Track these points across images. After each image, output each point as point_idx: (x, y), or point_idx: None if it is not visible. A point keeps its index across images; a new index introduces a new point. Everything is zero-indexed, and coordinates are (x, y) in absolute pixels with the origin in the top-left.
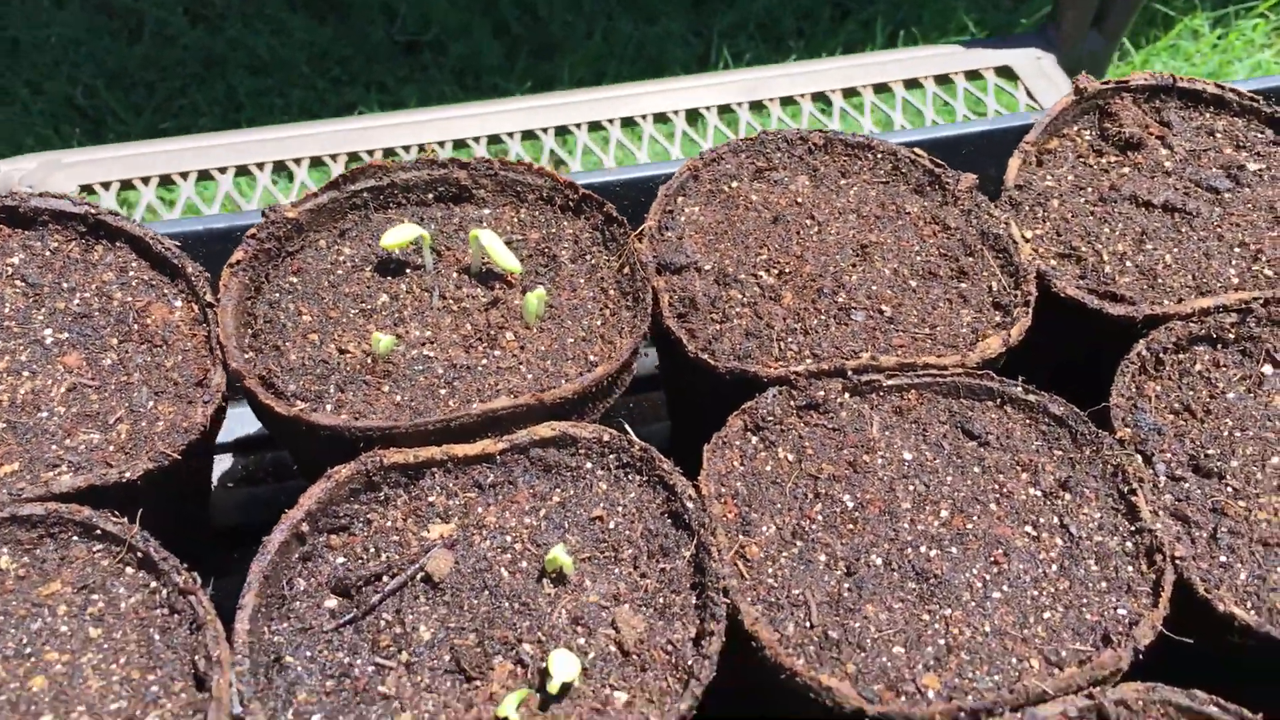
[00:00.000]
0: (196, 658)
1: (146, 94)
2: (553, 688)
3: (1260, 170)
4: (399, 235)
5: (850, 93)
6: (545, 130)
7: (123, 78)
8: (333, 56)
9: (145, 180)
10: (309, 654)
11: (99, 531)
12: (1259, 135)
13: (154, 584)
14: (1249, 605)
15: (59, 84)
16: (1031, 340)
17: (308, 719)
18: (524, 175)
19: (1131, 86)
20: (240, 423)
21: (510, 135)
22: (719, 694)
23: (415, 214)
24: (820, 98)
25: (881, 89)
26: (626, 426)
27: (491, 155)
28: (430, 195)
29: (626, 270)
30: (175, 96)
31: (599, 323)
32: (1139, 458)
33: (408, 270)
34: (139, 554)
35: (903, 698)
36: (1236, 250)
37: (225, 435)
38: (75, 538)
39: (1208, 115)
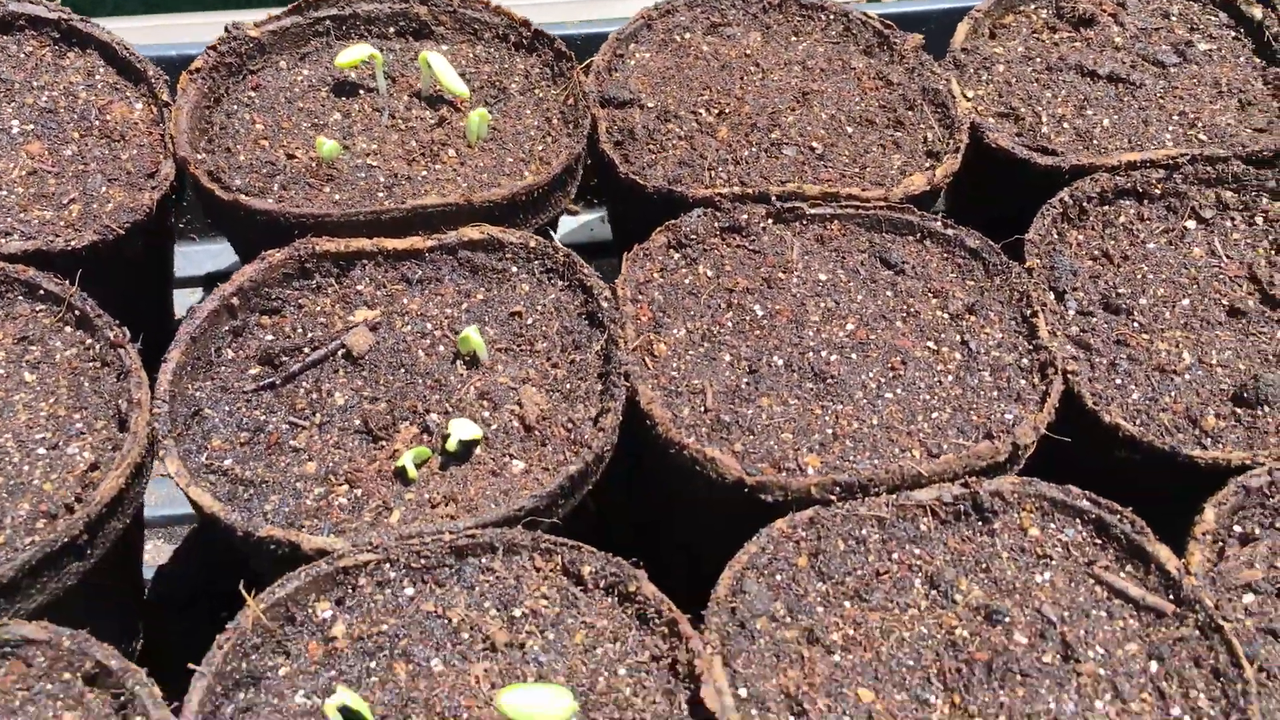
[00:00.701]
0: (120, 401)
1: None
2: (450, 445)
3: (1210, 50)
4: (353, 54)
5: None
6: None
7: None
8: None
9: None
10: (228, 409)
11: (42, 291)
12: (1213, 19)
13: (89, 340)
14: (1137, 422)
15: None
16: (965, 195)
17: (220, 462)
18: (481, 13)
19: None
20: None
21: None
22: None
23: (376, 45)
24: None
25: None
26: (552, 234)
27: None
28: (391, 29)
29: (570, 100)
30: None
31: (539, 147)
32: (1044, 284)
33: (362, 92)
34: (77, 313)
35: (783, 473)
36: (1175, 119)
37: None
38: (20, 296)
39: None
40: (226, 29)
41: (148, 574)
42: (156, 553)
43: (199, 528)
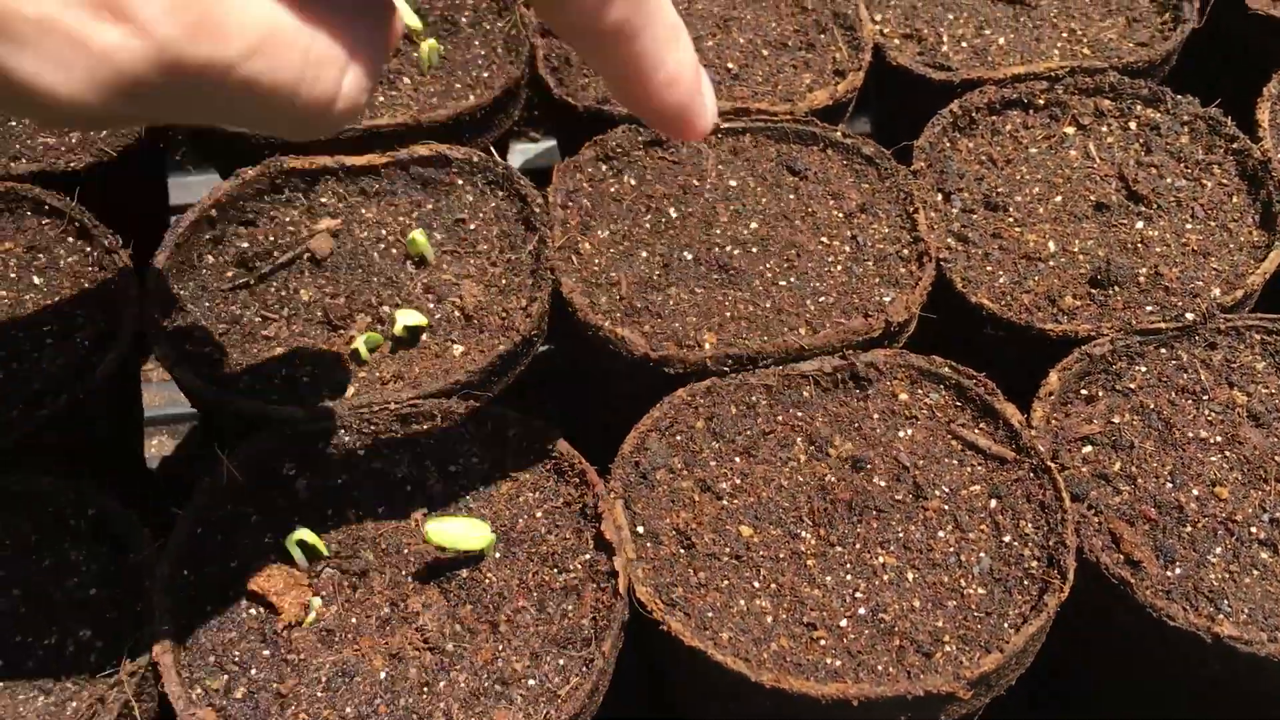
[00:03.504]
0: (115, 299)
1: None
2: (398, 330)
3: None
4: None
5: None
6: None
7: None
8: None
9: None
10: (208, 304)
11: (47, 207)
12: None
13: (88, 248)
14: (1001, 302)
15: None
16: (884, 113)
17: (201, 348)
18: None
19: None
20: None
21: None
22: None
23: None
24: None
25: None
26: (493, 150)
27: None
28: None
29: (512, 31)
30: None
31: (485, 74)
32: (928, 186)
33: None
34: (77, 225)
35: (684, 349)
36: (1065, 37)
37: None
38: (28, 211)
39: None
40: None
41: (154, 465)
42: (161, 446)
43: (194, 426)
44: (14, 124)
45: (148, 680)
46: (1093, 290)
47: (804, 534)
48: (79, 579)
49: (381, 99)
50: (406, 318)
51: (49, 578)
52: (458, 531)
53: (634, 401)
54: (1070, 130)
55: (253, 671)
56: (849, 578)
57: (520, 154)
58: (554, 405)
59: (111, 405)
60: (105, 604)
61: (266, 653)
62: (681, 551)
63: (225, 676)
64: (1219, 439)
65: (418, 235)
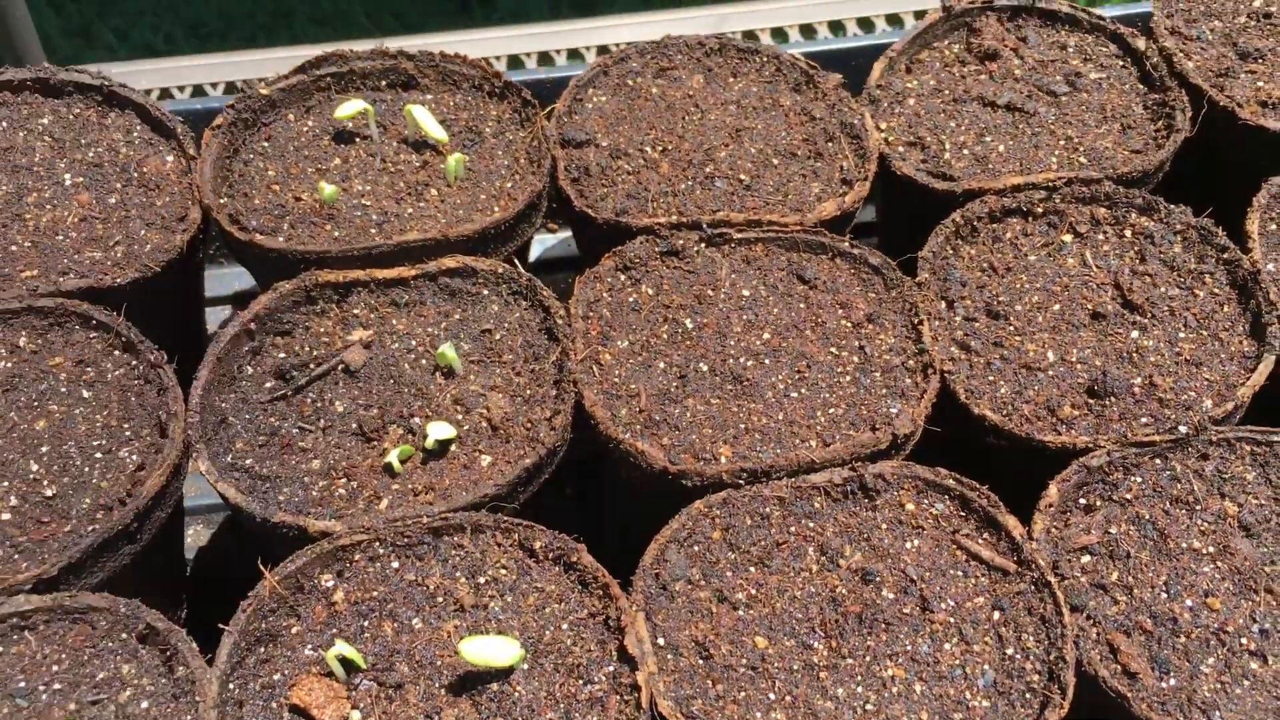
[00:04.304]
0: (160, 413)
1: (220, 42)
2: (429, 444)
3: (1100, 79)
4: (349, 108)
5: (807, 29)
6: (529, 55)
7: (199, 27)
8: (389, 9)
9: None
10: (248, 417)
11: (94, 321)
12: (1104, 49)
13: (133, 361)
14: (1003, 412)
15: (143, 32)
16: (889, 218)
17: (243, 460)
18: (460, 67)
19: (995, 6)
20: None
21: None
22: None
23: (370, 97)
24: (779, 32)
25: (836, 26)
26: (516, 261)
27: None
28: (383, 82)
29: (534, 142)
30: (245, 45)
31: (509, 184)
32: (932, 295)
33: (358, 140)
34: (124, 339)
35: (700, 462)
36: (1062, 143)
37: None
38: (76, 325)
39: (1061, 32)
40: (240, 87)
41: (190, 555)
42: (197, 536)
43: (230, 516)
44: (60, 237)
45: None
46: (1090, 400)
47: (816, 645)
48: (131, 692)
49: (410, 210)
50: (437, 431)
51: (103, 691)
52: (489, 650)
53: (651, 511)
54: (1068, 238)
55: None
56: (860, 690)
57: (539, 243)
58: (573, 495)
59: (157, 520)
60: (157, 718)
61: None
62: (700, 663)
63: None
64: (1211, 549)
65: (447, 349)
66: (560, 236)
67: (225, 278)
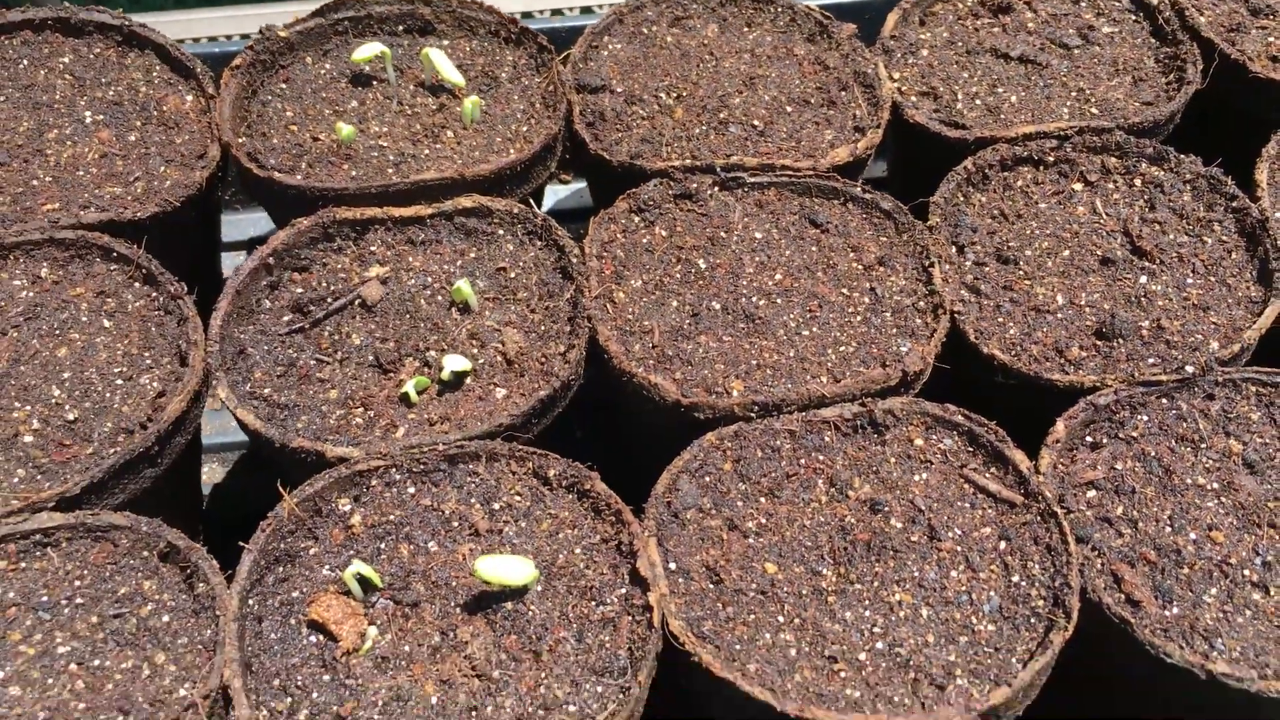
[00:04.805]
0: (181, 342)
1: None
2: (445, 376)
3: (1112, 33)
4: (366, 50)
5: None
6: (542, 12)
7: None
8: None
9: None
10: (266, 348)
11: (115, 254)
12: (1116, 4)
13: (154, 293)
14: (1011, 352)
15: None
16: (901, 167)
17: (261, 389)
18: (476, 12)
19: None
20: None
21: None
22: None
23: (387, 41)
24: None
25: None
26: (531, 201)
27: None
28: (400, 27)
29: (550, 87)
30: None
31: (524, 128)
32: (943, 240)
33: (374, 83)
34: (144, 271)
35: (713, 395)
36: (1074, 95)
37: None
38: (97, 258)
39: None
40: (260, 31)
41: (205, 491)
42: (212, 474)
43: (247, 448)
44: (81, 172)
45: (218, 704)
46: (1098, 342)
47: (825, 571)
48: (152, 607)
49: (427, 151)
50: (453, 363)
51: (125, 606)
52: (504, 568)
53: (663, 440)
54: (1078, 186)
55: (314, 695)
56: (867, 614)
57: (551, 195)
58: (585, 432)
59: (177, 445)
60: (178, 631)
61: (327, 678)
62: (710, 587)
63: (289, 699)
64: (1216, 486)
65: (463, 284)
66: (572, 188)
67: (240, 224)
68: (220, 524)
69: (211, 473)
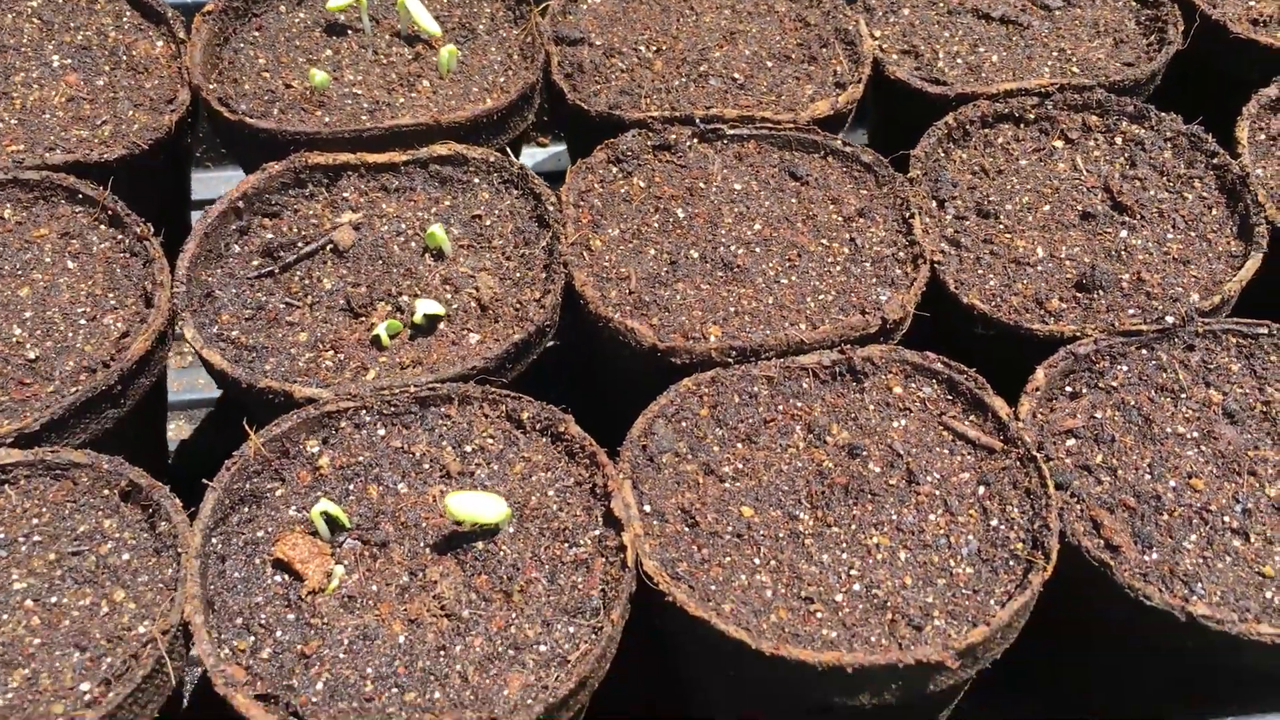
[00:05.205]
0: (146, 283)
1: None
2: (417, 319)
3: None
4: (340, 0)
5: None
6: None
7: None
8: None
9: None
10: (234, 291)
11: (80, 195)
12: None
13: (119, 235)
14: (991, 303)
15: None
16: (882, 124)
17: (228, 331)
18: None
19: None
20: None
21: None
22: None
23: None
24: None
25: None
26: (509, 150)
27: None
28: None
29: (528, 39)
30: None
31: (501, 79)
32: (928, 193)
33: (349, 33)
34: (110, 213)
35: (689, 341)
36: (1055, 55)
37: None
38: (62, 199)
39: None
40: None
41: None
42: (179, 430)
43: (215, 405)
44: (47, 115)
45: (178, 640)
46: (1078, 294)
47: (802, 515)
48: (112, 545)
49: (402, 100)
50: (426, 306)
51: (84, 543)
52: (475, 505)
53: (640, 389)
54: (1059, 144)
55: (278, 633)
56: (844, 556)
57: (528, 157)
58: (562, 391)
59: (141, 387)
60: (138, 569)
61: (291, 616)
62: (686, 529)
63: (252, 638)
64: (1195, 435)
65: (436, 229)
66: (550, 151)
67: (212, 182)
68: (187, 480)
69: (179, 429)
